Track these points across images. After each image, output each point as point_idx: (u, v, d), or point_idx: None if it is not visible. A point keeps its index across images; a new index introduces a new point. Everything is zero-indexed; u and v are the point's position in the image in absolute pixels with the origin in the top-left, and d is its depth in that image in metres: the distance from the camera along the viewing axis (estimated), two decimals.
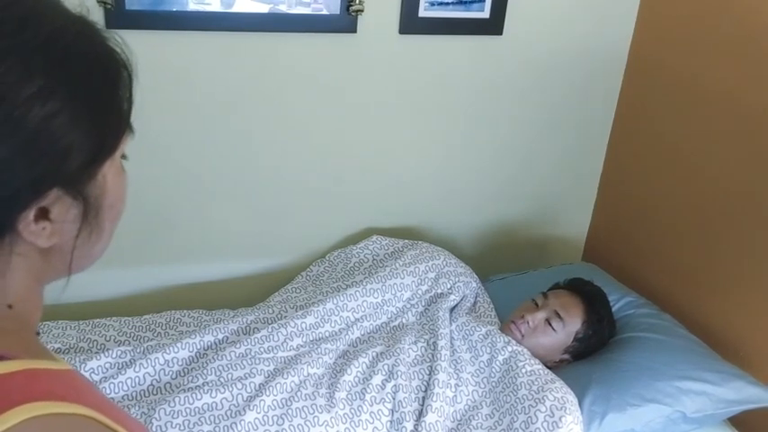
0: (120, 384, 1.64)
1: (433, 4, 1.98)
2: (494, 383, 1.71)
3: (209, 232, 2.10)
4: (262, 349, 1.74)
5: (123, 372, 1.65)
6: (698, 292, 1.97)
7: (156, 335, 1.82)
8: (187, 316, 1.92)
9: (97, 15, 1.73)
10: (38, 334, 0.64)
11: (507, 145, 2.23)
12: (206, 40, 1.85)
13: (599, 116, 2.30)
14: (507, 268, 2.26)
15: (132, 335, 1.82)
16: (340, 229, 2.21)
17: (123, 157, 0.65)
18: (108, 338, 1.79)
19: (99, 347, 1.73)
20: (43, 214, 0.55)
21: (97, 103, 0.57)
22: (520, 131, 2.23)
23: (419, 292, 1.98)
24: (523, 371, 1.68)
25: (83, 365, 1.64)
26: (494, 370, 1.73)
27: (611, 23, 2.16)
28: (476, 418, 1.64)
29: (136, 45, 1.88)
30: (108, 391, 1.62)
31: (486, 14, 2.03)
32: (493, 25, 2.06)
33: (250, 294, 2.11)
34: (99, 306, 2.05)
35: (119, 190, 0.63)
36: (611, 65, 2.23)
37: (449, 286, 2.00)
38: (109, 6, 1.73)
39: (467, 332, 1.84)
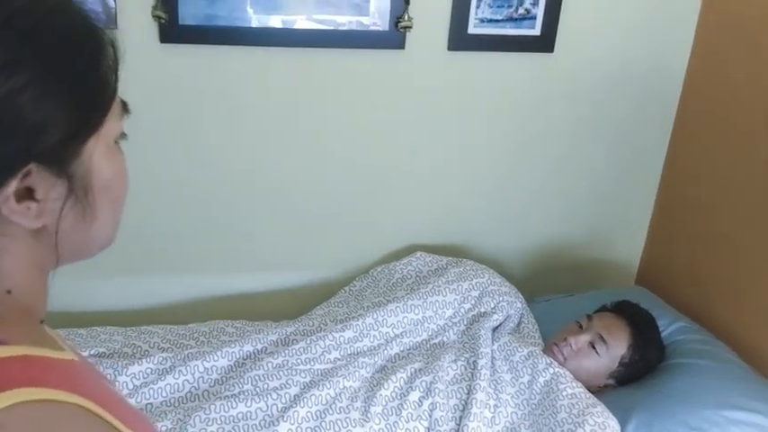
0: (160, 390, 1.66)
1: (482, 21, 1.97)
2: (533, 405, 1.67)
3: (255, 244, 2.12)
4: (299, 361, 1.74)
5: (163, 378, 1.67)
6: (755, 320, 1.88)
7: (198, 343, 1.84)
8: (230, 326, 1.94)
9: (151, 29, 1.79)
10: (42, 322, 0.64)
11: (557, 165, 2.19)
12: (256, 55, 1.88)
13: (654, 137, 2.23)
14: (554, 291, 2.21)
15: (175, 342, 1.84)
16: (384, 244, 2.20)
17: (122, 137, 0.64)
18: (152, 345, 1.81)
19: (142, 353, 1.76)
20: (28, 194, 0.54)
21: (72, 79, 0.56)
22: (570, 151, 2.18)
23: (461, 310, 1.95)
24: (564, 393, 1.63)
25: (124, 370, 1.67)
26: (534, 392, 1.69)
27: (668, 43, 2.11)
28: None
29: (188, 59, 1.95)
30: (147, 397, 1.64)
31: (536, 32, 2.01)
32: (544, 43, 2.03)
33: (293, 307, 2.12)
34: (145, 314, 2.09)
35: (113, 171, 0.62)
36: (666, 85, 2.17)
37: (492, 305, 1.96)
38: (163, 21, 1.78)
39: (508, 352, 1.80)
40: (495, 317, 1.93)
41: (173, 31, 1.81)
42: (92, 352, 1.74)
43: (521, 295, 2.03)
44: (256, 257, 2.14)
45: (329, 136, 2.02)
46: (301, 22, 1.86)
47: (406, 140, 2.07)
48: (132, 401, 1.63)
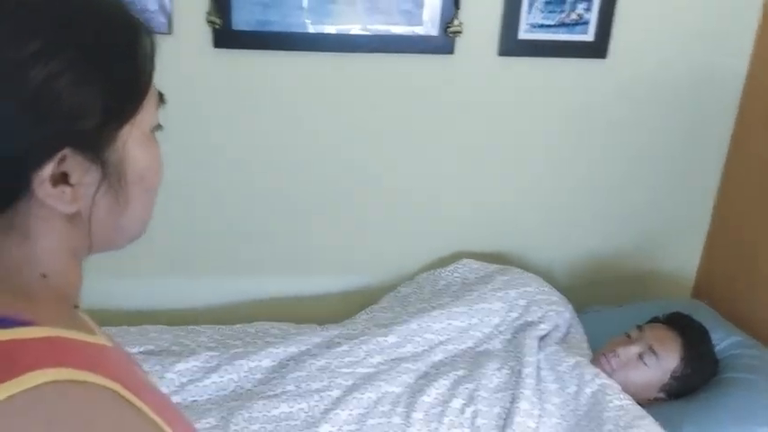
0: (205, 388, 1.68)
1: (534, 26, 1.95)
2: (579, 416, 1.63)
3: (303, 247, 2.14)
4: (341, 364, 1.74)
5: (208, 376, 1.70)
6: None
7: (244, 344, 1.86)
8: (276, 328, 1.96)
9: (205, 34, 1.83)
10: (76, 307, 0.65)
11: (609, 172, 2.15)
12: (308, 60, 1.91)
13: (711, 146, 2.17)
14: (605, 302, 2.16)
15: (222, 342, 1.87)
16: (430, 251, 2.19)
17: (158, 128, 0.65)
18: (199, 344, 1.85)
19: (189, 352, 1.79)
20: (63, 179, 0.55)
21: (109, 66, 0.57)
22: (623, 159, 2.14)
23: (508, 318, 1.92)
24: (611, 405, 1.59)
25: (171, 367, 1.70)
26: (580, 403, 1.65)
27: (727, 49, 2.05)
28: None
29: (241, 64, 1.98)
30: (193, 394, 1.67)
31: (590, 37, 1.98)
32: (597, 49, 2.00)
33: (338, 312, 2.12)
34: (195, 314, 2.12)
35: (148, 160, 0.62)
36: (725, 92, 2.10)
37: (540, 315, 1.93)
38: (216, 26, 1.82)
39: (555, 362, 1.77)
40: (542, 326, 1.89)
41: (226, 36, 1.84)
42: (141, 349, 1.78)
43: (569, 305, 1.99)
44: (304, 261, 2.16)
45: (378, 141, 2.03)
46: (352, 29, 1.88)
47: (454, 146, 2.06)
48: (178, 398, 1.66)
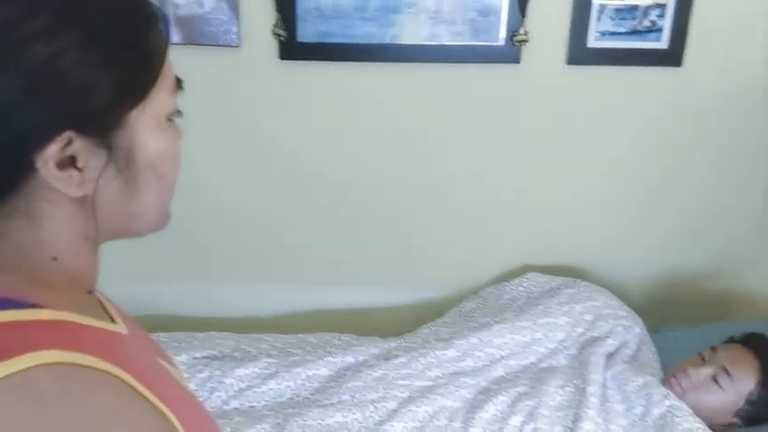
0: (263, 394, 1.70)
1: (603, 34, 1.89)
2: None
3: (367, 260, 2.13)
4: (398, 375, 1.72)
5: (266, 382, 1.71)
6: None
7: (304, 353, 1.87)
8: (337, 338, 1.96)
9: (271, 46, 1.86)
10: (90, 292, 0.65)
11: (685, 186, 2.05)
12: (371, 70, 1.91)
13: None
14: (680, 321, 2.06)
15: (283, 350, 1.88)
16: (496, 264, 2.14)
17: (176, 115, 0.64)
18: (260, 351, 1.86)
19: (250, 358, 1.81)
20: (71, 162, 0.55)
21: (116, 46, 0.56)
22: (701, 172, 2.03)
23: (573, 333, 1.86)
24: (680, 428, 1.50)
25: (231, 372, 1.72)
26: (647, 425, 1.57)
27: None
28: None
29: (306, 75, 2.01)
30: (250, 400, 1.69)
31: (663, 45, 1.90)
32: (671, 56, 1.92)
33: (402, 324, 2.10)
34: (261, 323, 2.15)
35: (161, 147, 0.61)
36: None
37: (607, 330, 1.86)
38: (282, 39, 1.85)
39: (622, 381, 1.69)
40: (610, 342, 1.82)
41: (291, 48, 1.87)
42: (204, 354, 1.82)
43: (640, 320, 1.91)
44: (367, 273, 2.15)
45: (441, 152, 2.01)
46: (415, 38, 1.87)
47: (520, 158, 2.02)
48: (236, 403, 1.67)
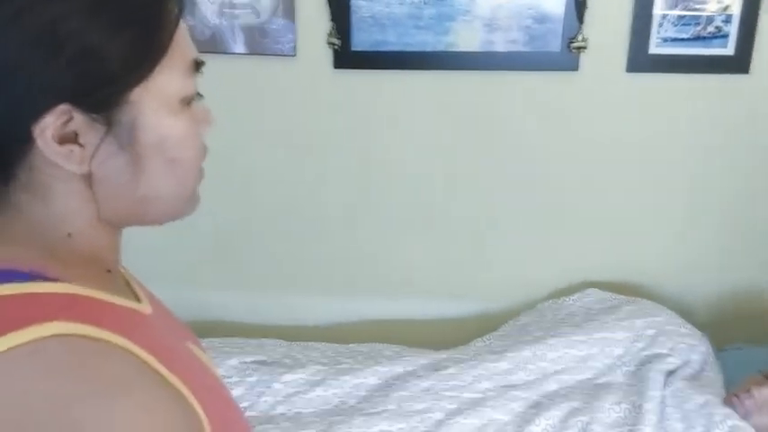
0: (310, 400, 1.69)
1: (666, 40, 1.83)
2: None
3: (423, 271, 2.11)
4: (446, 387, 1.69)
5: (313, 389, 1.71)
6: None
7: (354, 362, 1.86)
8: (388, 349, 1.94)
9: (326, 56, 1.88)
10: (108, 271, 0.64)
11: (753, 199, 1.95)
12: (425, 78, 1.91)
13: None
14: (747, 340, 1.95)
15: (333, 359, 1.88)
16: (555, 279, 2.09)
17: (195, 97, 0.62)
18: (310, 359, 1.87)
19: (299, 365, 1.81)
20: (73, 138, 0.54)
21: (122, 18, 0.54)
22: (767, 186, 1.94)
23: (633, 349, 1.79)
24: None
25: (279, 377, 1.73)
26: None
27: None
28: None
29: (359, 83, 2.03)
30: (297, 405, 1.69)
31: (729, 51, 1.83)
32: (738, 63, 1.84)
33: (456, 337, 2.06)
34: (310, 331, 2.15)
35: (170, 130, 0.59)
36: None
37: (669, 347, 1.77)
38: (336, 47, 1.86)
39: (681, 399, 1.61)
40: (671, 359, 1.74)
41: (345, 57, 1.89)
42: (254, 359, 1.83)
43: (705, 339, 1.82)
44: (420, 284, 2.13)
45: (499, 161, 1.98)
46: (470, 46, 1.85)
47: (579, 169, 1.97)
48: (283, 408, 1.68)
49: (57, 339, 0.51)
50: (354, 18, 1.85)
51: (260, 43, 1.90)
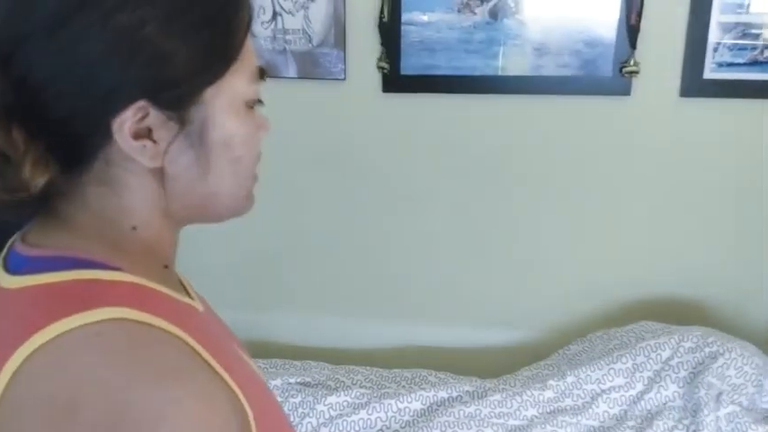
0: (353, 423, 1.68)
1: (721, 65, 1.80)
2: None
3: (469, 298, 2.09)
4: (492, 413, 1.66)
5: (357, 412, 1.70)
6: None
7: (398, 387, 1.84)
8: (433, 375, 1.91)
9: (375, 80, 1.90)
10: (166, 267, 0.66)
11: None
12: (474, 102, 1.90)
13: None
14: None
15: (377, 383, 1.86)
16: (605, 306, 2.04)
17: (257, 103, 0.65)
18: (354, 382, 1.85)
19: (343, 387, 1.80)
20: (147, 134, 0.57)
21: (200, 22, 0.57)
22: None
23: (681, 349, 1.71)
24: None
25: (323, 399, 1.72)
26: None
27: None
28: None
29: (409, 107, 2.04)
30: (340, 428, 1.68)
31: None
32: None
33: (502, 365, 2.03)
34: (355, 354, 2.14)
35: (236, 130, 0.62)
36: None
37: (719, 351, 1.69)
38: (385, 71, 1.88)
39: (738, 426, 1.54)
40: (722, 361, 1.66)
41: (395, 80, 1.90)
42: (298, 380, 1.83)
43: (760, 353, 1.73)
44: (467, 311, 2.10)
45: (549, 187, 1.95)
46: (520, 70, 1.85)
47: (632, 195, 1.93)
48: (326, 430, 1.67)
49: (116, 324, 0.53)
50: (404, 43, 1.87)
51: (311, 68, 1.93)
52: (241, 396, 0.57)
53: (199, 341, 0.57)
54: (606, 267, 2.01)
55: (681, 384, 1.67)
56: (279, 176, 2.00)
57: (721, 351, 1.70)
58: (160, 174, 0.60)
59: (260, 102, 0.65)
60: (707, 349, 1.70)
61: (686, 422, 1.57)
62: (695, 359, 1.70)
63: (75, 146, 0.57)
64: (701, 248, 1.96)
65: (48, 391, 0.49)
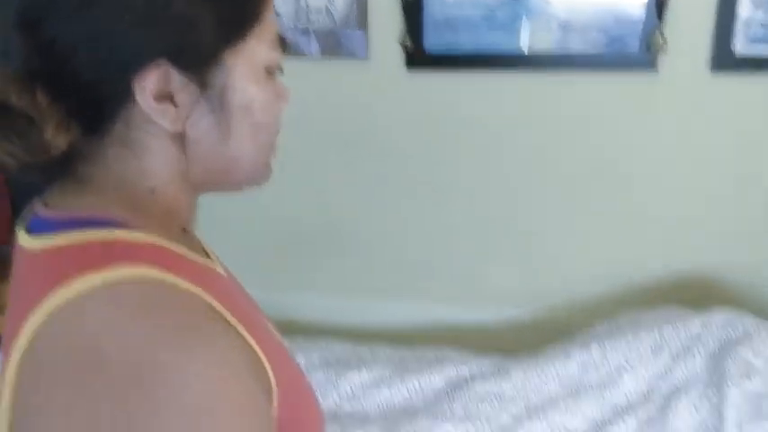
0: (375, 400, 1.68)
1: (754, 40, 1.75)
2: None
3: (492, 274, 2.08)
4: (514, 391, 1.64)
5: (379, 389, 1.70)
6: None
7: (420, 364, 1.83)
8: (455, 353, 1.91)
9: (398, 57, 1.89)
10: (184, 230, 0.67)
11: None
12: (498, 80, 1.88)
13: None
14: None
15: (399, 360, 1.85)
16: (633, 288, 2.01)
17: (277, 69, 0.65)
18: (376, 360, 1.85)
19: (365, 365, 1.80)
20: (168, 97, 0.58)
21: None
22: None
23: (712, 326, 1.67)
24: None
25: (345, 375, 1.72)
26: None
27: None
28: None
29: (432, 85, 2.02)
30: (362, 405, 1.68)
31: None
32: None
33: (525, 344, 2.01)
34: (377, 334, 2.14)
35: (256, 95, 0.63)
36: None
37: (755, 329, 1.65)
38: (408, 49, 1.87)
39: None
40: (756, 338, 1.61)
41: (418, 58, 1.89)
42: (320, 358, 1.83)
43: None
44: (490, 289, 2.10)
45: (574, 163, 1.93)
46: (545, 46, 1.82)
47: (659, 175, 1.90)
48: (348, 407, 1.67)
49: (136, 282, 0.53)
50: (427, 20, 1.85)
51: (335, 46, 1.93)
52: (264, 361, 0.58)
53: (221, 302, 0.57)
54: (634, 246, 1.97)
55: (709, 359, 1.63)
56: (301, 157, 2.00)
57: (756, 329, 1.66)
58: (181, 137, 0.61)
59: (280, 70, 0.66)
60: (740, 327, 1.66)
61: (711, 396, 1.54)
62: (727, 335, 1.65)
63: (98, 108, 0.58)
64: (733, 234, 1.91)
65: (69, 347, 0.50)
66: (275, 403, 0.58)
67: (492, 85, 1.89)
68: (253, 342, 0.57)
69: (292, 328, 2.11)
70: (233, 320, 0.56)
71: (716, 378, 1.58)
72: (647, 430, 1.52)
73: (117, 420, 0.47)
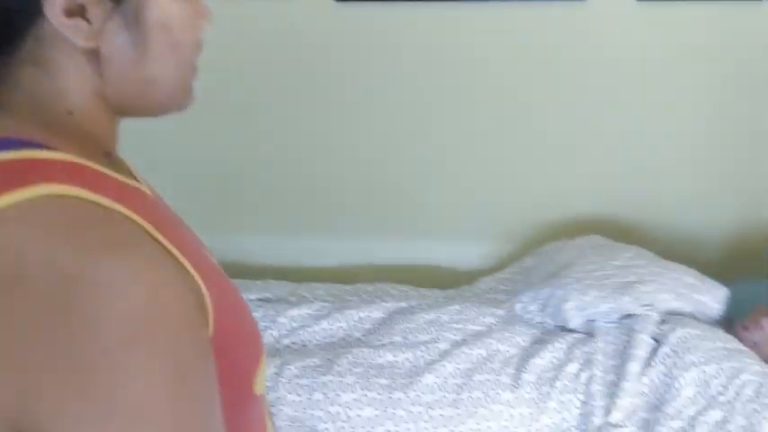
0: (314, 333, 1.70)
1: None
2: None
3: (431, 210, 2.10)
4: (452, 320, 1.69)
5: (318, 323, 1.71)
6: None
7: (360, 300, 1.85)
8: (395, 289, 1.93)
9: None
10: (108, 154, 0.64)
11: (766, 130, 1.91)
12: (427, 11, 1.87)
13: None
14: (758, 274, 1.92)
15: (339, 297, 1.87)
16: (561, 215, 2.06)
17: None
18: (315, 296, 1.86)
19: (305, 302, 1.81)
20: (80, 12, 0.55)
21: None
22: None
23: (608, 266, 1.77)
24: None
25: (284, 312, 1.73)
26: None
27: None
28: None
29: (361, 17, 1.97)
30: (302, 338, 1.69)
31: None
32: None
33: (461, 277, 2.05)
34: (317, 273, 2.13)
35: (173, 12, 0.60)
36: None
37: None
38: None
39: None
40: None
41: None
42: (259, 296, 1.83)
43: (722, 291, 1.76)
44: (426, 225, 2.12)
45: (503, 96, 1.94)
46: None
47: (587, 104, 1.93)
48: (288, 341, 1.68)
49: (57, 199, 0.51)
50: None
51: None
52: (195, 275, 0.56)
53: (146, 219, 0.55)
54: (562, 177, 2.02)
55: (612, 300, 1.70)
56: (232, 93, 1.95)
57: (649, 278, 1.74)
58: (95, 55, 0.58)
59: None
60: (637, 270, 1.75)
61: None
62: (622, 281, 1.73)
63: (5, 24, 0.55)
64: (658, 160, 1.97)
65: None
66: (210, 319, 0.57)
67: (420, 16, 1.87)
68: (183, 258, 0.56)
69: (230, 270, 2.08)
70: (159, 237, 0.55)
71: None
72: (575, 352, 1.58)
73: (44, 337, 0.46)
